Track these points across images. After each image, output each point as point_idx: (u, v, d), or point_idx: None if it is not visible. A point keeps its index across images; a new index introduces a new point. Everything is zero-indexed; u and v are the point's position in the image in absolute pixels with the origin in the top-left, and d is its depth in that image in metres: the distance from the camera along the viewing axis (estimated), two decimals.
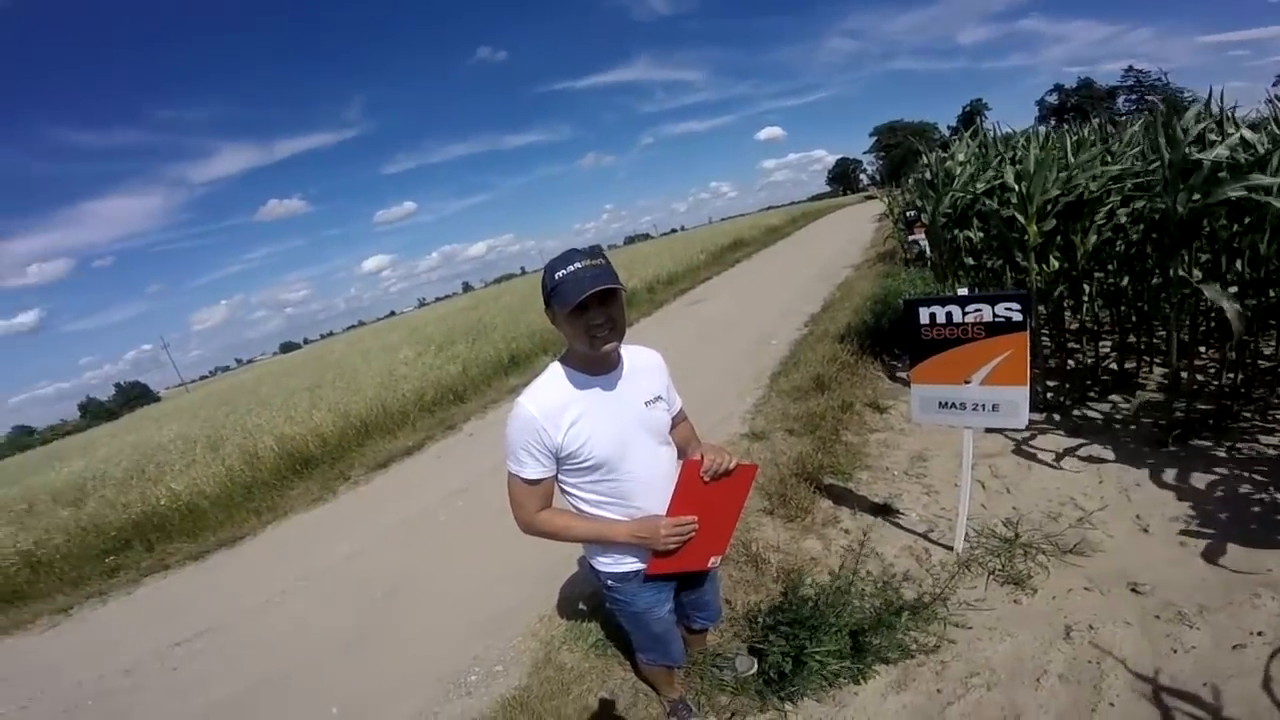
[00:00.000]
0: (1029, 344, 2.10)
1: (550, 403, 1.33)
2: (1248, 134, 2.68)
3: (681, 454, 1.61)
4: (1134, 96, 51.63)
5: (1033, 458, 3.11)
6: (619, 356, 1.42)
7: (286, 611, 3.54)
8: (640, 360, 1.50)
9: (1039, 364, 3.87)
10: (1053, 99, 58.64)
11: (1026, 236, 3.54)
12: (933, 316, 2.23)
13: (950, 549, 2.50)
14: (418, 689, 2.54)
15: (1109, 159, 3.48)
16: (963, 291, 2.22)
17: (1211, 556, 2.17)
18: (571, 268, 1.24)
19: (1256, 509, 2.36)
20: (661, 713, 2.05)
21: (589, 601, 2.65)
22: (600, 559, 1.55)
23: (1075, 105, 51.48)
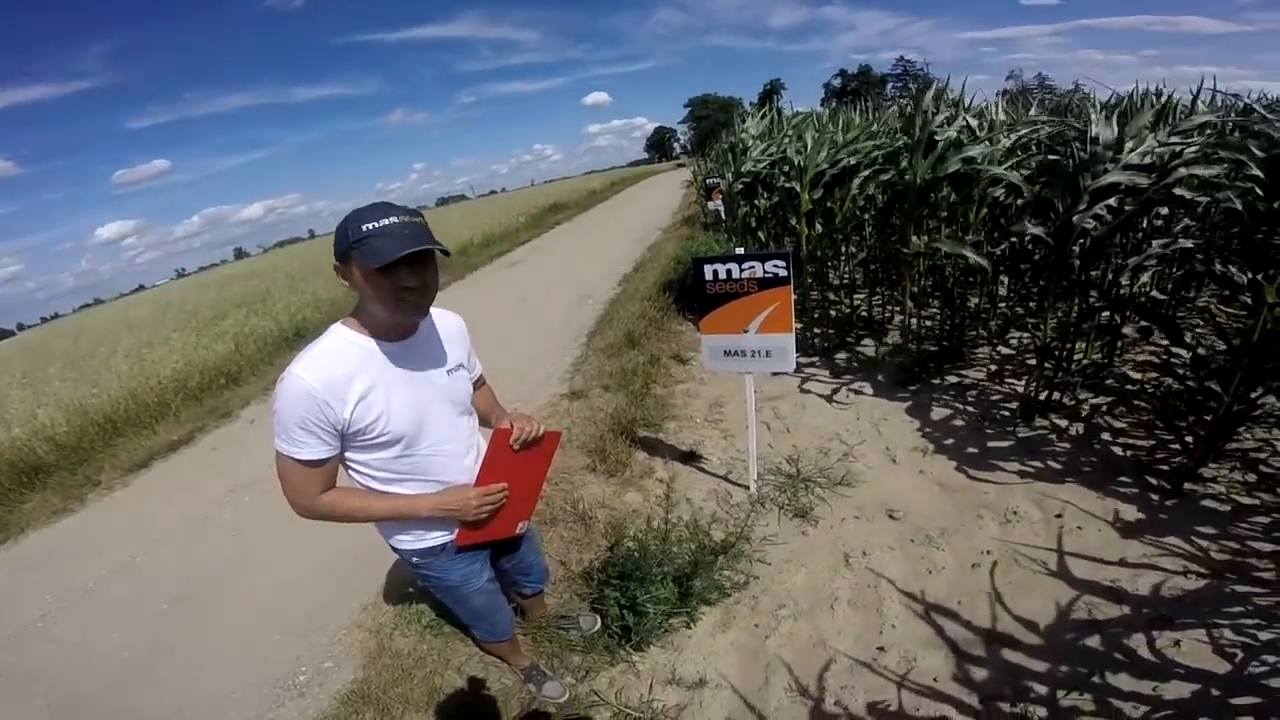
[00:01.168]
0: (793, 297, 2.42)
1: (333, 373, 1.16)
2: (970, 119, 3.33)
3: (484, 421, 1.57)
4: (900, 84, 61.62)
5: (805, 399, 3.64)
6: (419, 321, 1.30)
7: (54, 638, 2.87)
8: (441, 324, 1.40)
9: (807, 315, 4.53)
10: (836, 82, 68.26)
11: (799, 203, 4.06)
12: (715, 273, 2.46)
13: (746, 489, 2.83)
14: (241, 699, 2.27)
15: (871, 138, 4.08)
16: (739, 250, 2.48)
17: (943, 483, 2.70)
18: (386, 221, 1.09)
19: (972, 435, 2.99)
20: (516, 681, 2.02)
21: (416, 584, 2.52)
22: (399, 537, 1.44)
23: (854, 89, 60.50)
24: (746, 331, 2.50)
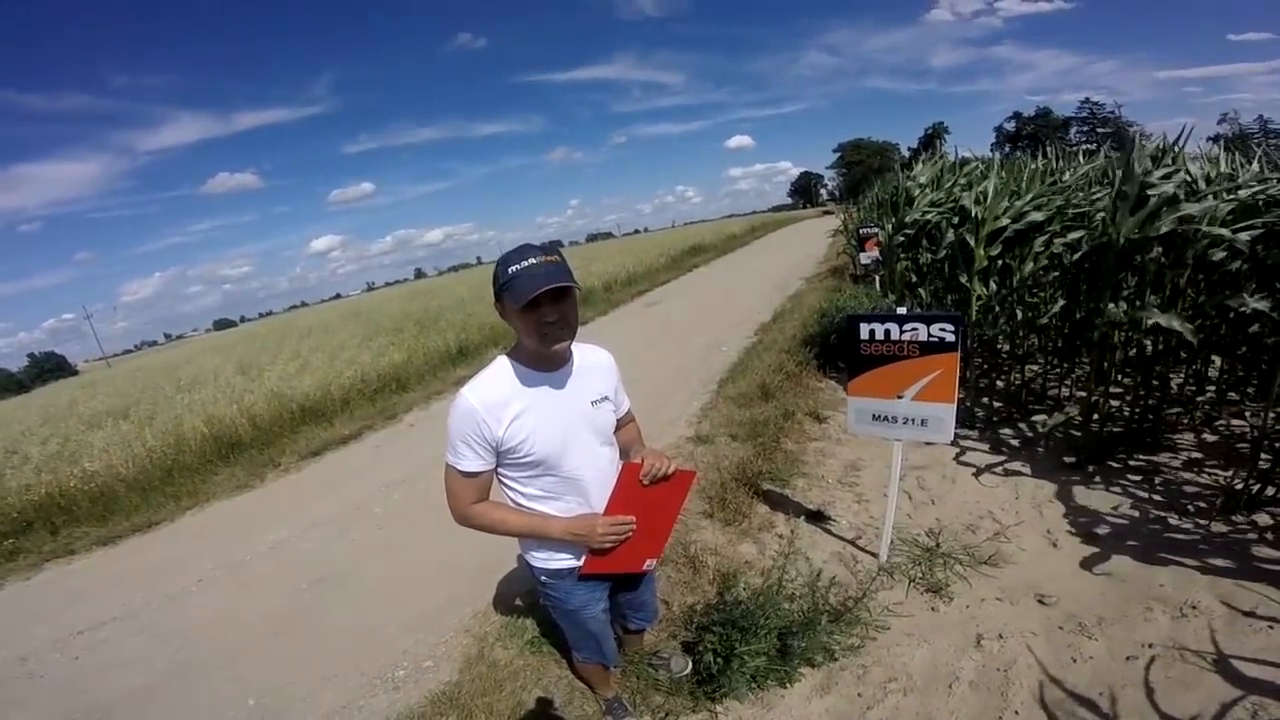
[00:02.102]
0: (959, 364, 2.20)
1: (493, 396, 1.30)
2: (1192, 168, 2.88)
3: (624, 455, 1.60)
4: (1086, 128, 54.66)
5: (957, 472, 3.27)
6: (568, 354, 1.40)
7: (203, 600, 3.34)
8: (590, 359, 1.48)
9: (970, 382, 4.09)
10: (1010, 126, 61.64)
11: (973, 259, 3.74)
12: (872, 333, 2.31)
13: (876, 556, 2.60)
14: (341, 682, 2.44)
15: (1060, 191, 3.68)
16: (902, 310, 2.31)
17: (1110, 572, 2.33)
18: (526, 263, 1.21)
19: (1154, 527, 2.56)
20: (597, 711, 2.03)
21: (526, 599, 2.62)
22: (535, 554, 1.53)
23: (1030, 133, 54.20)
24: (901, 397, 2.31)
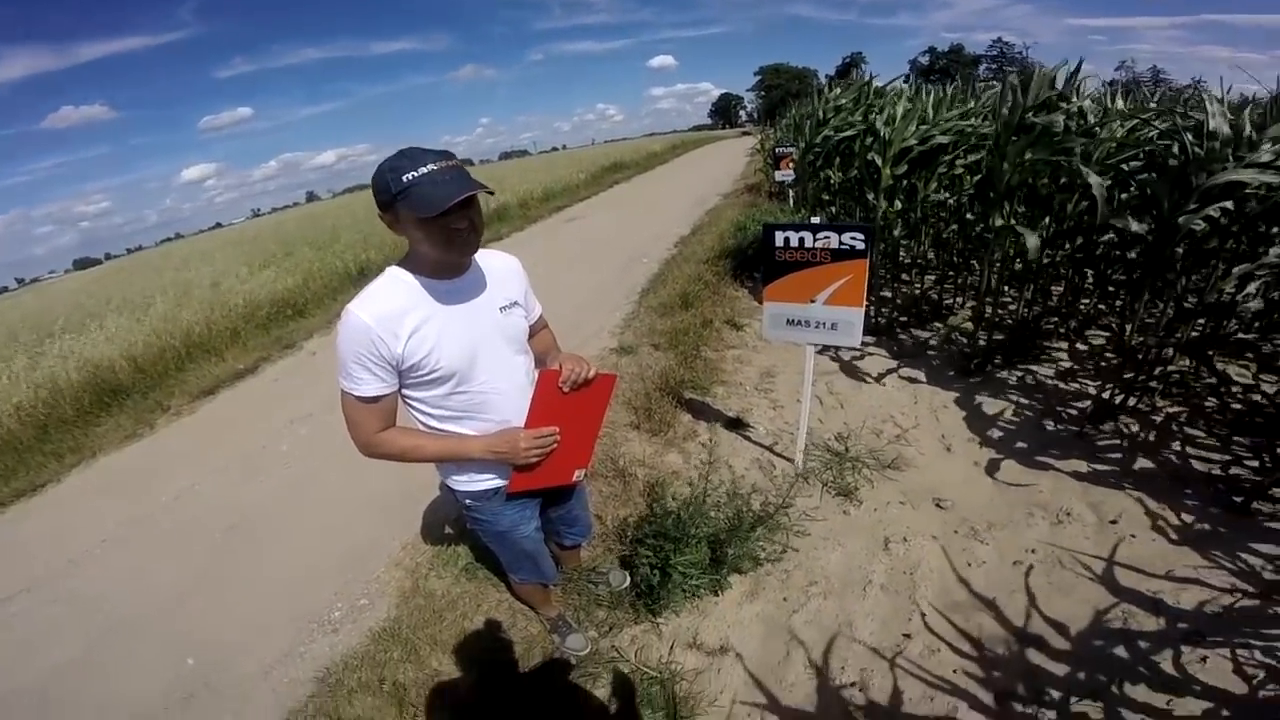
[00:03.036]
0: (868, 271, 2.29)
1: (387, 309, 1.17)
2: (1085, 104, 3.00)
3: (540, 363, 1.53)
4: (995, 66, 57.07)
5: (863, 377, 3.51)
6: (470, 260, 1.29)
7: (112, 562, 3.06)
8: (494, 263, 1.38)
9: (873, 292, 4.34)
10: (924, 60, 63.75)
11: (880, 178, 3.85)
12: (786, 240, 2.34)
13: (792, 462, 2.76)
14: (278, 631, 2.36)
15: (966, 117, 3.79)
16: (815, 220, 2.35)
17: (998, 476, 2.58)
18: (426, 169, 1.09)
19: (1035, 432, 2.83)
20: (542, 631, 2.06)
21: (454, 525, 2.60)
22: (456, 478, 1.45)
23: (943, 68, 56.40)
24: (814, 302, 2.39)
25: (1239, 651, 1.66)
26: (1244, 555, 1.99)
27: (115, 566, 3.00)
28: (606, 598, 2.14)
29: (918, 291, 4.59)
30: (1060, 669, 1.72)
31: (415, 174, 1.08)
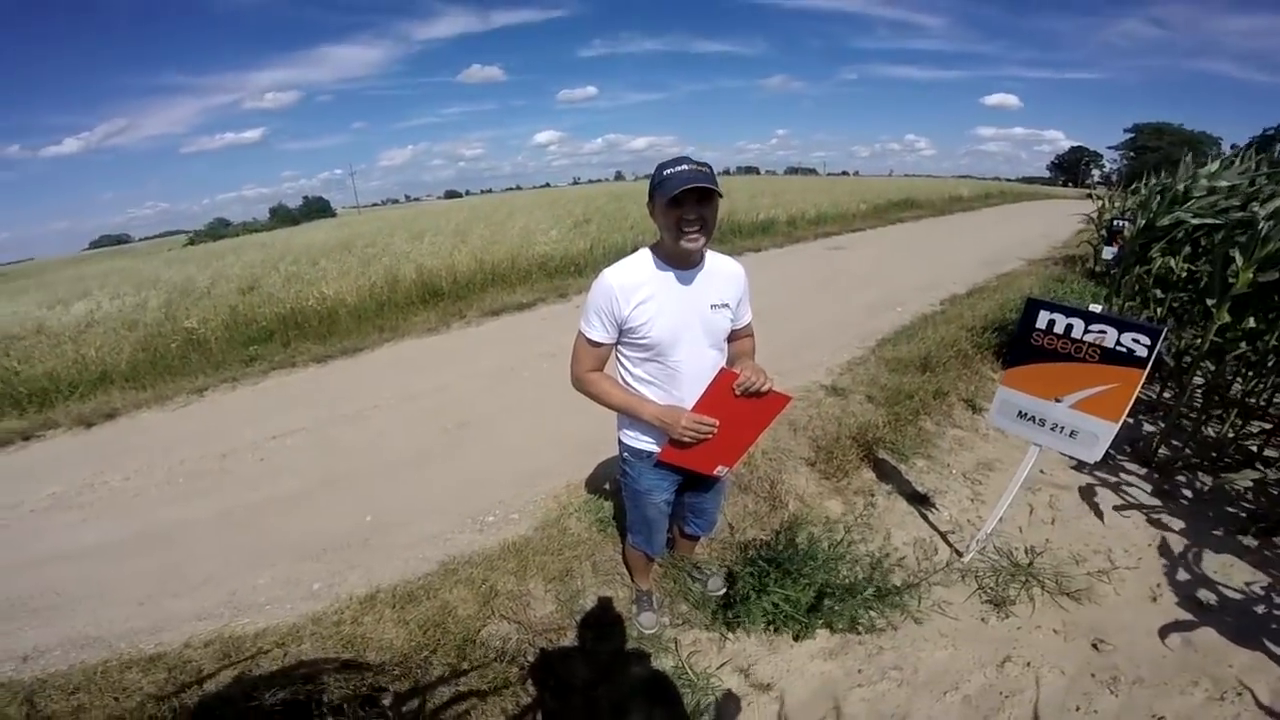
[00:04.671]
0: (1141, 383, 1.91)
1: (629, 280, 1.47)
2: None
3: (730, 363, 1.70)
4: None
5: (1100, 504, 2.89)
6: (701, 257, 1.54)
7: (370, 424, 3.93)
8: (721, 267, 1.61)
9: (1165, 420, 3.42)
10: None
11: (1235, 281, 3.01)
12: (1051, 323, 2.07)
13: (960, 555, 2.48)
14: (442, 516, 2.81)
15: None
16: (1095, 308, 2.02)
17: (1189, 638, 2.06)
18: (680, 167, 1.36)
19: (1274, 611, 2.17)
20: (628, 599, 2.25)
21: (614, 484, 2.84)
22: (626, 431, 1.73)
23: None
24: (1059, 401, 2.08)
25: None
26: None
27: (370, 429, 3.91)
28: (696, 596, 2.22)
29: (1231, 435, 3.45)
30: None
31: (674, 170, 1.37)
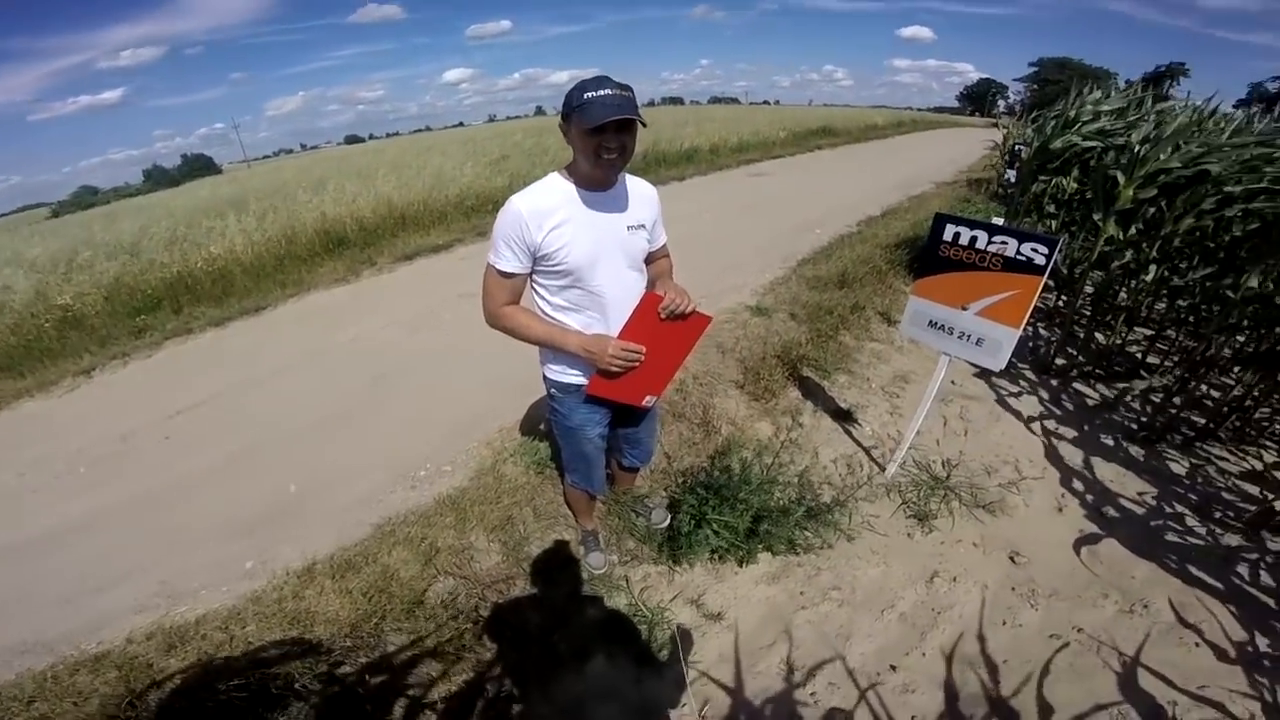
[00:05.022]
0: (1039, 290, 2.02)
1: (539, 205, 1.39)
2: None
3: (652, 287, 1.64)
4: None
5: (1005, 413, 3.12)
6: (617, 179, 1.46)
7: (282, 387, 3.68)
8: (636, 189, 1.53)
9: (1062, 328, 3.73)
10: (1275, 86, 48.03)
11: (1116, 196, 3.24)
12: (957, 236, 2.13)
13: (883, 470, 2.62)
14: (370, 476, 2.69)
15: (1260, 143, 3.01)
16: (997, 221, 2.10)
17: (1095, 550, 2.27)
18: (602, 92, 1.26)
19: (1171, 523, 2.41)
20: (573, 539, 2.23)
21: (549, 424, 2.77)
22: (551, 366, 1.65)
23: None
24: (966, 309, 2.17)
25: None
26: None
27: (282, 391, 3.64)
28: (641, 531, 2.24)
29: (1119, 342, 3.84)
30: None
31: (594, 94, 1.26)
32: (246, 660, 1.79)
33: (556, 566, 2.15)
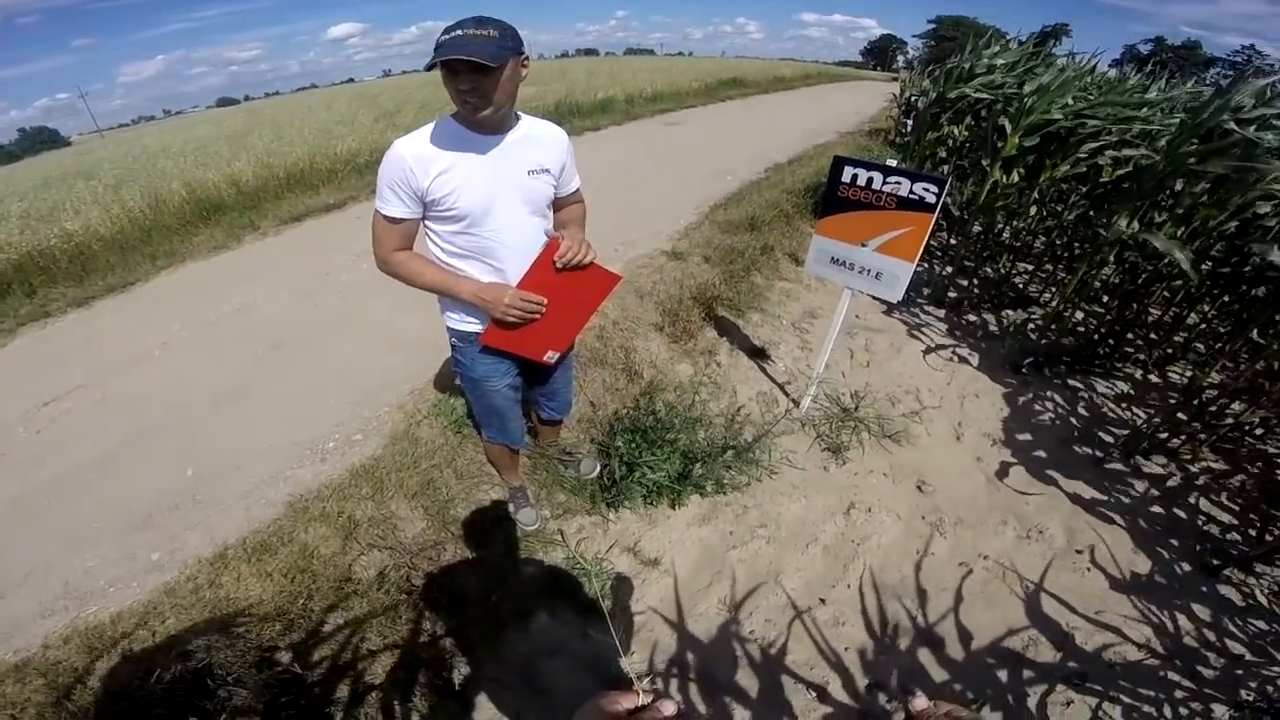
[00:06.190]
0: (931, 226, 2.15)
1: (423, 149, 1.31)
2: None
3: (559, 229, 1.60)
4: (1230, 74, 47.42)
5: (906, 344, 3.35)
6: (513, 121, 1.37)
7: (164, 365, 3.35)
8: (539, 131, 1.44)
9: (954, 264, 4.05)
10: (1145, 49, 53.93)
11: (1003, 144, 3.48)
12: (854, 177, 2.23)
13: (797, 405, 2.74)
14: (276, 453, 2.53)
15: (1126, 101, 3.30)
16: (891, 163, 2.21)
17: (995, 477, 2.48)
18: (456, 32, 1.17)
19: (1056, 446, 2.65)
20: (500, 497, 2.16)
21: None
22: (450, 314, 1.57)
23: (1162, 61, 47.00)
24: (864, 246, 2.29)
25: (1104, 705, 1.64)
26: (1181, 616, 1.90)
27: (165, 370, 3.28)
28: (571, 483, 2.21)
29: (1003, 274, 4.22)
30: (939, 675, 1.74)
31: (449, 35, 1.17)
32: (175, 655, 1.67)
33: (487, 527, 2.10)
